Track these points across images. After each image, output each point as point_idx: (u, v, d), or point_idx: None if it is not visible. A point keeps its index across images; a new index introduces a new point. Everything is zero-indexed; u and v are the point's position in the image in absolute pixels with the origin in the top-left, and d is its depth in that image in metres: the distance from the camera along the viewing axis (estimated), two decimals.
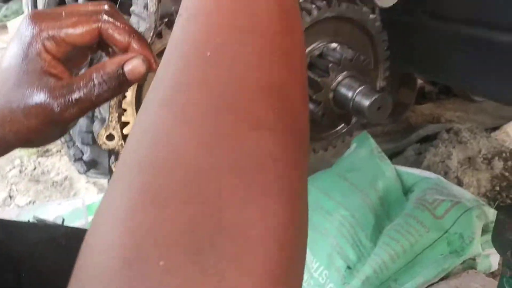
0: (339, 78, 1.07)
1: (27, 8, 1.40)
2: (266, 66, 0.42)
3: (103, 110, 1.20)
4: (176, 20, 0.48)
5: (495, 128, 2.61)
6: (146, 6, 1.02)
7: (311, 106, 1.12)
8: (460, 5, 1.14)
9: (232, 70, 0.40)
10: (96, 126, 1.18)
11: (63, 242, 1.04)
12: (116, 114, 1.11)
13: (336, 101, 1.08)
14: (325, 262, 1.56)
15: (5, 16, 6.75)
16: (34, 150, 3.14)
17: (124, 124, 1.19)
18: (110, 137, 1.12)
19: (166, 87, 0.41)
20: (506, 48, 1.05)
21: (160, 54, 1.16)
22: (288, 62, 0.44)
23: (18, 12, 6.61)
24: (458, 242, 1.46)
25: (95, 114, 1.32)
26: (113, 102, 1.10)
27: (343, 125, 1.18)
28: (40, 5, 1.59)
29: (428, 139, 2.53)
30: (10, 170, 2.93)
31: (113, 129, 1.12)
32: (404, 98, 2.73)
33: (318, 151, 1.26)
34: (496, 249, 1.08)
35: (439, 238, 1.48)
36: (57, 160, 2.99)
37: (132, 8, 1.20)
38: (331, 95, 1.08)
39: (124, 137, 1.16)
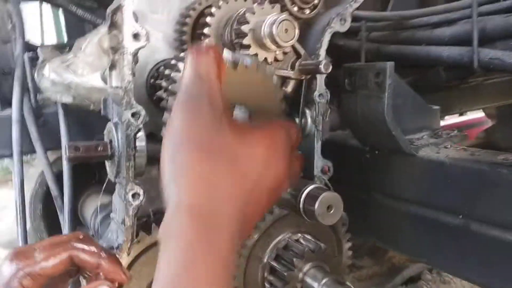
0: (305, 269, 1.15)
1: None
2: None
3: None
4: None
5: None
6: (123, 222, 1.13)
7: None
8: (408, 186, 1.27)
9: None
10: None
11: None
12: None
13: None
14: None
15: None
16: None
17: None
18: None
19: None
20: (451, 229, 1.15)
21: (148, 248, 1.25)
22: None
23: (7, 169, 6.83)
24: None
25: None
26: None
27: None
28: (28, 192, 1.70)
29: (413, 280, 2.56)
30: None
31: None
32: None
33: None
34: None
35: None
36: None
37: (112, 215, 1.31)
38: (299, 286, 1.15)
39: None
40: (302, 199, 0.92)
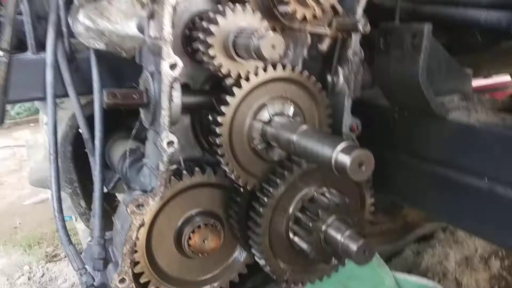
0: (329, 221, 1.19)
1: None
2: None
3: (117, 253, 1.31)
4: None
5: None
6: (157, 167, 1.17)
7: (305, 245, 1.23)
8: (436, 148, 1.29)
9: None
10: (111, 269, 1.28)
11: None
12: (129, 261, 1.22)
13: (327, 242, 1.19)
14: None
15: (18, 113, 7.09)
16: (43, 255, 3.22)
17: (135, 264, 1.30)
18: (122, 281, 1.23)
19: None
20: (475, 191, 1.18)
21: (180, 193, 1.31)
22: None
23: (30, 110, 6.96)
24: None
25: (111, 257, 1.43)
26: (127, 249, 1.22)
27: (334, 260, 1.28)
28: (58, 133, 1.76)
29: (425, 238, 2.62)
30: (19, 277, 2.99)
31: (125, 273, 1.23)
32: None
33: (314, 281, 1.36)
34: None
35: None
36: (65, 266, 3.06)
37: (145, 161, 1.36)
38: (322, 236, 1.20)
39: (135, 278, 1.27)
40: (334, 155, 0.95)
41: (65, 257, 3.10)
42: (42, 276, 3.04)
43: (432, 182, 1.32)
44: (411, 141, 1.36)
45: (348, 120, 1.31)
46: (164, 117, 1.14)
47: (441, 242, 2.54)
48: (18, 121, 6.99)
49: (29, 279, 3.02)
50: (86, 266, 1.64)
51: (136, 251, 1.29)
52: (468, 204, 1.21)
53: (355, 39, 1.24)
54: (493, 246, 2.54)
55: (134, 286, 1.24)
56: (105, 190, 1.89)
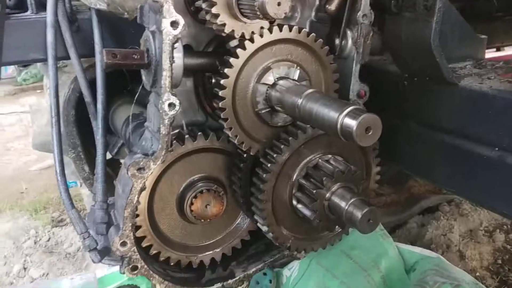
0: (333, 189, 1.17)
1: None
2: None
3: (118, 217, 1.30)
4: None
5: None
6: (158, 130, 1.15)
7: (308, 213, 1.21)
8: (446, 116, 1.25)
9: None
10: (112, 233, 1.28)
11: None
12: (130, 224, 1.21)
13: (331, 210, 1.17)
14: None
15: (24, 79, 7.07)
16: (49, 220, 3.25)
17: (137, 228, 1.29)
18: (123, 244, 1.22)
19: None
20: (485, 161, 1.14)
21: (182, 157, 1.29)
22: None
23: (36, 76, 6.93)
24: None
25: (112, 213, 1.42)
26: (128, 212, 1.20)
27: (337, 228, 1.26)
28: (61, 97, 1.74)
29: (430, 210, 2.60)
30: (25, 241, 3.02)
31: (127, 237, 1.22)
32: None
33: (317, 249, 1.34)
34: None
35: None
36: (71, 231, 3.08)
37: (146, 124, 1.33)
38: (326, 203, 1.17)
39: (137, 242, 1.26)
40: (340, 119, 0.91)
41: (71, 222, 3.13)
42: (48, 240, 3.07)
43: (441, 151, 1.28)
44: (421, 109, 1.32)
45: (355, 86, 1.27)
46: (166, 78, 1.10)
47: (446, 215, 2.52)
48: (25, 87, 6.98)
49: (35, 243, 3.06)
50: (89, 230, 1.64)
51: (137, 215, 1.28)
52: (477, 175, 1.18)
53: (365, 0, 1.18)
54: (498, 219, 2.52)
55: (135, 250, 1.23)
56: (109, 155, 1.87)
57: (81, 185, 2.64)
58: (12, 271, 2.82)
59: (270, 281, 1.64)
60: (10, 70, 5.74)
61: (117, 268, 2.35)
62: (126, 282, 1.99)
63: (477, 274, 2.21)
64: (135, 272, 1.25)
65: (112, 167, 1.96)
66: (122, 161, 2.12)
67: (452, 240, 2.37)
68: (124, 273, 1.50)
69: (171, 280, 1.32)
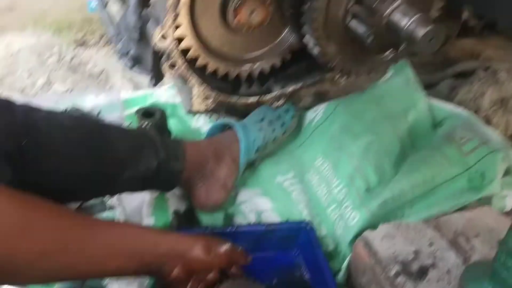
0: (395, 5, 1.07)
1: None
2: None
3: (158, 9, 1.22)
4: None
5: None
6: None
7: (362, 29, 1.13)
8: None
9: None
10: (151, 25, 1.21)
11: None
12: (172, 15, 1.13)
13: (388, 27, 1.09)
14: (346, 181, 1.59)
15: None
16: (72, 39, 3.20)
17: (177, 26, 1.22)
18: (163, 38, 1.16)
19: None
20: None
21: None
22: None
23: None
24: (479, 181, 1.49)
25: (148, 11, 1.34)
26: (170, 3, 1.12)
27: (390, 51, 1.19)
28: None
29: (464, 75, 2.50)
30: (49, 57, 3.00)
31: (167, 31, 1.15)
32: (446, 30, 2.64)
33: (362, 74, 1.29)
34: None
35: (461, 173, 1.51)
36: (94, 53, 3.04)
37: None
38: (384, 20, 1.09)
39: (177, 38, 1.20)
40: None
41: (94, 44, 3.08)
42: (72, 59, 3.05)
43: None
44: None
45: None
46: None
47: (480, 80, 2.42)
48: None
49: (58, 60, 3.04)
50: (122, 35, 1.59)
51: (178, 14, 1.20)
52: None
53: None
54: None
55: (175, 46, 1.17)
56: None
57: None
58: (36, 84, 2.85)
59: (292, 117, 1.59)
60: None
61: (141, 92, 2.36)
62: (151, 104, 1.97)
63: None
64: (174, 69, 1.21)
65: None
66: None
67: (481, 106, 2.31)
68: (155, 85, 1.48)
69: (208, 86, 1.29)
